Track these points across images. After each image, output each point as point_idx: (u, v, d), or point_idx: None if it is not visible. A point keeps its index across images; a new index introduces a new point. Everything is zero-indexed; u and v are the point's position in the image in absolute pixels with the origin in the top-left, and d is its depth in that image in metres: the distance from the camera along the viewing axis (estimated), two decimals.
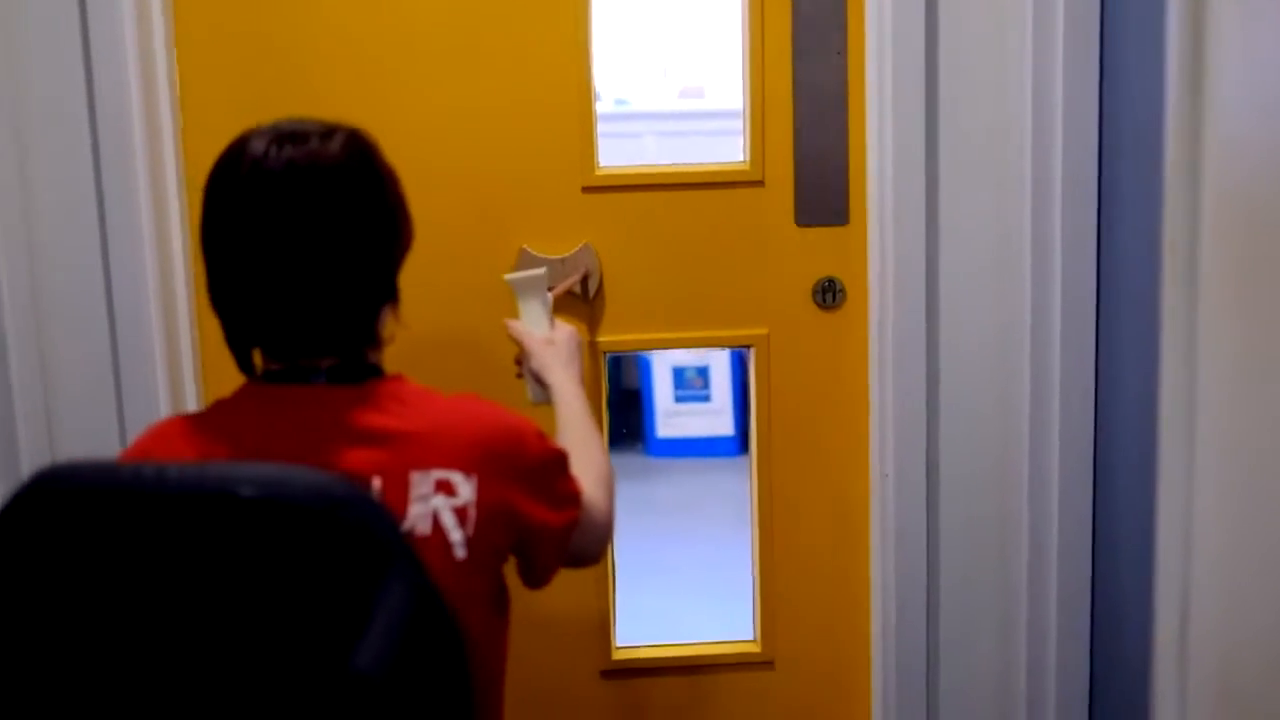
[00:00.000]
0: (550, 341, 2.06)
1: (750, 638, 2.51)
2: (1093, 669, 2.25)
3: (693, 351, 4.81)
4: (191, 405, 2.25)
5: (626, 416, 4.97)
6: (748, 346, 2.43)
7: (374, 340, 1.65)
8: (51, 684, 1.34)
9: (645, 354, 4.87)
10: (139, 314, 2.15)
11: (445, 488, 1.57)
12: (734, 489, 4.74)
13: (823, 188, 2.33)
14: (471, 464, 1.58)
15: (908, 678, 2.32)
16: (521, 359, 2.09)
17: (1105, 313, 2.15)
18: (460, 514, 1.58)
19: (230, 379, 1.68)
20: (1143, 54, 1.96)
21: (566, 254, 2.33)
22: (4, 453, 2.17)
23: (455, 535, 1.57)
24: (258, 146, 1.60)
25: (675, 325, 2.40)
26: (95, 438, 2.18)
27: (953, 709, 2.32)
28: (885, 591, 2.34)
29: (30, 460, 2.17)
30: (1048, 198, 2.15)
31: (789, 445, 2.43)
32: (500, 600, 1.69)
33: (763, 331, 2.40)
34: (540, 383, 2.04)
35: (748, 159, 2.37)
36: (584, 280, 2.34)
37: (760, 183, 2.35)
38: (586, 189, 2.34)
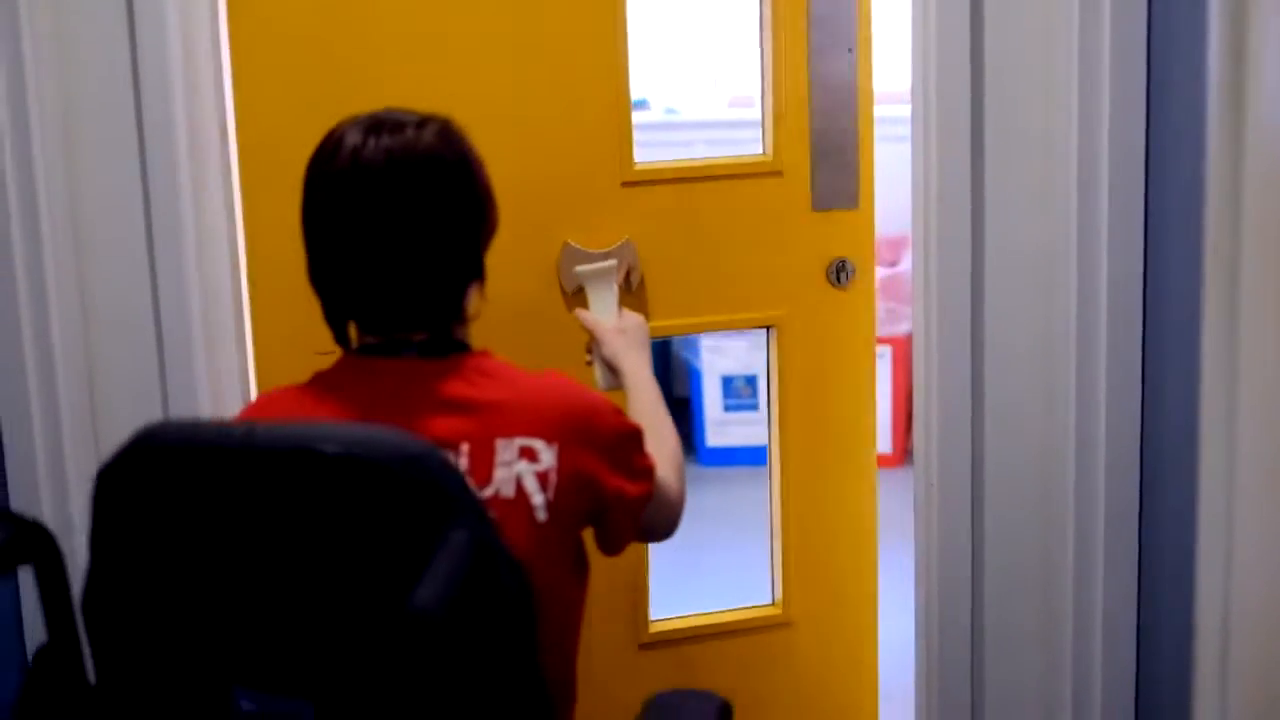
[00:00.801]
0: (622, 330, 2.16)
1: (769, 601, 2.66)
2: (1138, 677, 2.23)
3: (741, 361, 4.81)
4: (236, 410, 2.28)
5: (677, 425, 4.97)
6: (770, 326, 2.56)
7: (461, 317, 1.77)
8: (148, 621, 1.47)
9: (695, 363, 4.87)
10: (184, 322, 2.19)
11: (528, 454, 1.68)
12: None
13: (835, 175, 2.50)
14: (553, 433, 1.69)
15: (952, 683, 2.31)
16: (592, 346, 2.17)
17: (1151, 317, 2.14)
18: (542, 479, 1.68)
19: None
20: (1187, 54, 1.95)
21: (609, 248, 2.40)
22: (51, 457, 2.20)
23: (537, 499, 1.68)
24: (355, 137, 1.71)
25: (706, 309, 2.52)
26: None
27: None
28: (930, 599, 2.33)
29: (76, 466, 2.20)
30: (1094, 199, 2.14)
31: (805, 416, 2.59)
32: (579, 563, 1.80)
33: (783, 311, 2.54)
34: (612, 369, 2.13)
35: (769, 151, 2.50)
36: (626, 274, 2.41)
37: (779, 173, 2.49)
38: (626, 184, 2.42)
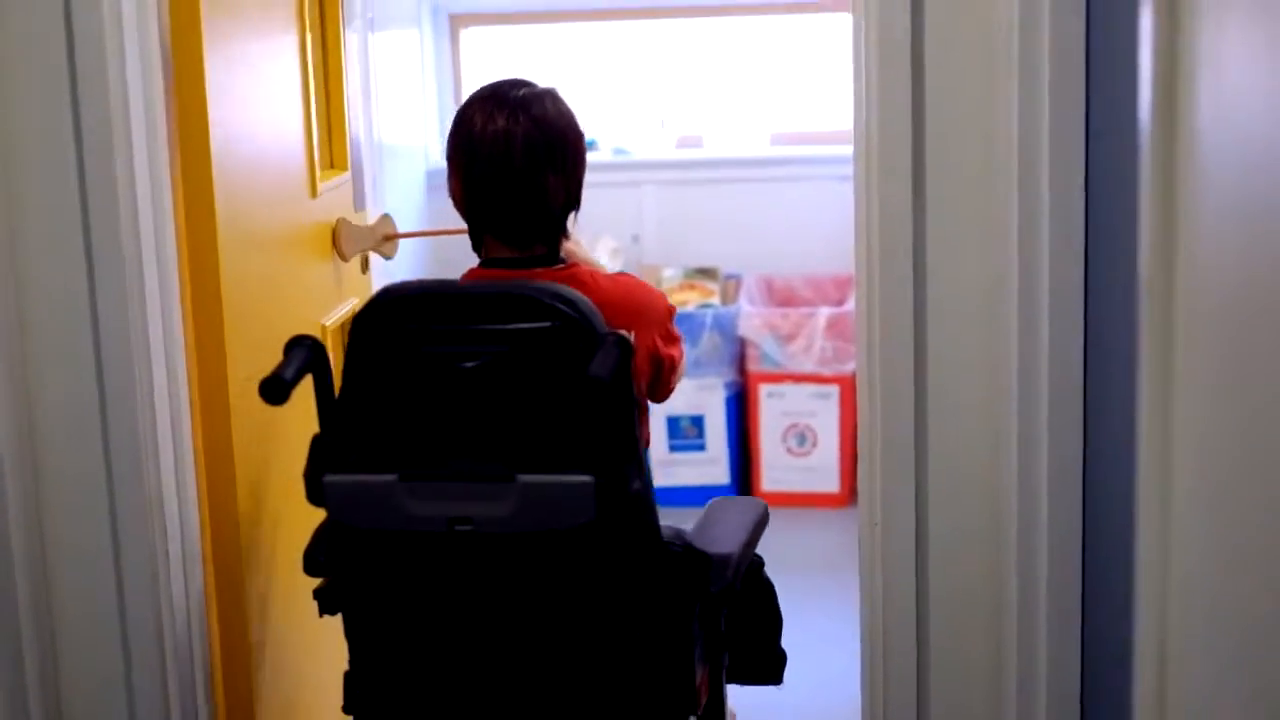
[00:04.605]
0: (577, 242, 2.57)
1: None
2: (1082, 714, 2.24)
3: (687, 400, 4.83)
4: (186, 431, 2.36)
5: None
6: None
7: (565, 236, 2.40)
8: (386, 414, 2.15)
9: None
10: (122, 334, 2.25)
11: None
12: None
13: (359, 180, 3.18)
14: (632, 320, 2.31)
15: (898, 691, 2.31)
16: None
17: (1092, 355, 2.15)
18: None
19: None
20: (1124, 88, 1.97)
21: (373, 221, 3.08)
22: None
23: None
24: (499, 109, 2.28)
25: None
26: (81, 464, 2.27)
27: None
28: (874, 638, 2.33)
29: (17, 489, 2.18)
30: (1035, 238, 2.14)
31: None
32: (642, 408, 2.40)
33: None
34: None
35: (342, 162, 3.11)
36: (387, 239, 3.07)
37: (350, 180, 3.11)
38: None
